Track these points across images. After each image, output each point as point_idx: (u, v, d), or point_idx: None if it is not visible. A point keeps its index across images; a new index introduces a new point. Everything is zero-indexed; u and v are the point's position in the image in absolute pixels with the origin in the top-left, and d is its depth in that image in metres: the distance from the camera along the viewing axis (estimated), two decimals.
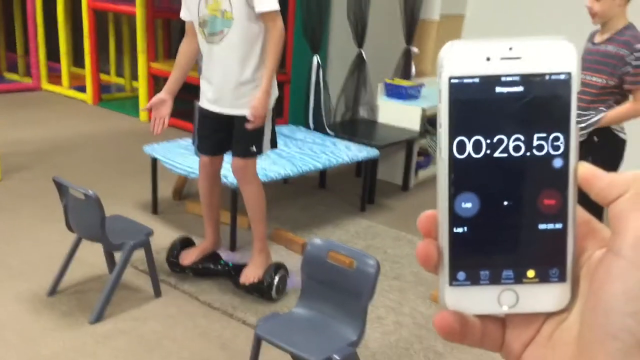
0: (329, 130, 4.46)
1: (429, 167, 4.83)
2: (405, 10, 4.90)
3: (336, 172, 4.54)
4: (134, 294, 2.90)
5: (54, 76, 6.89)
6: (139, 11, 5.69)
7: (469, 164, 0.34)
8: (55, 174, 2.83)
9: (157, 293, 2.87)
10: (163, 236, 3.45)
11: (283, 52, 5.27)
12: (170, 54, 7.00)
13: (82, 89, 6.56)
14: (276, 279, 2.86)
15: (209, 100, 2.82)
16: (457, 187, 0.35)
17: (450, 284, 0.36)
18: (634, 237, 0.31)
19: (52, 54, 6.90)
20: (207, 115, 2.87)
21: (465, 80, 0.34)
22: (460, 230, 0.35)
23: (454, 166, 0.34)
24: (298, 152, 3.88)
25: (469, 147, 0.34)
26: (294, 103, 5.24)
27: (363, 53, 4.78)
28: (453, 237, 0.35)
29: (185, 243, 3.12)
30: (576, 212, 0.35)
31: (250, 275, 2.90)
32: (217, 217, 3.10)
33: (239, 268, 2.98)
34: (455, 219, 0.35)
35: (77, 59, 7.37)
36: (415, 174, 4.66)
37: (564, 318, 0.35)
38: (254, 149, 2.84)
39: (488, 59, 0.34)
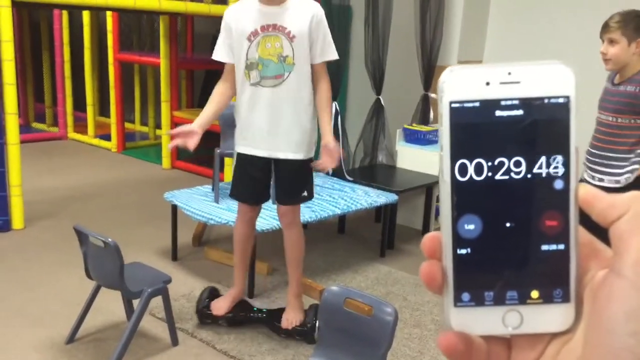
0: (347, 176, 4.47)
1: None
2: (423, 57, 4.97)
3: (356, 217, 4.53)
4: (151, 342, 2.88)
5: (80, 125, 7.08)
6: (163, 62, 5.85)
7: (471, 186, 0.35)
8: (77, 221, 2.87)
9: (175, 341, 2.85)
10: (182, 283, 3.45)
11: None
12: (193, 103, 7.16)
13: (107, 137, 6.71)
14: (317, 321, 2.83)
15: (255, 146, 2.76)
16: (459, 209, 0.35)
17: (455, 305, 0.36)
18: (635, 258, 0.31)
19: (79, 104, 7.10)
20: (250, 162, 2.80)
21: (466, 105, 0.35)
22: (463, 251, 0.36)
23: (456, 189, 0.35)
24: (317, 198, 3.88)
25: (471, 170, 0.35)
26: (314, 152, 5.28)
27: (381, 99, 4.83)
28: (457, 259, 0.36)
29: (214, 293, 3.08)
30: (578, 233, 0.35)
31: (291, 319, 2.92)
32: (248, 264, 3.10)
33: (274, 314, 2.99)
34: (458, 240, 0.35)
35: (103, 109, 7.57)
36: (435, 219, 4.62)
37: (568, 338, 0.35)
38: (305, 194, 2.88)
39: (488, 84, 0.35)
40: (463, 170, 0.35)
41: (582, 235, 0.36)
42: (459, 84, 0.35)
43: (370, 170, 4.81)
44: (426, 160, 4.55)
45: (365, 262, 3.94)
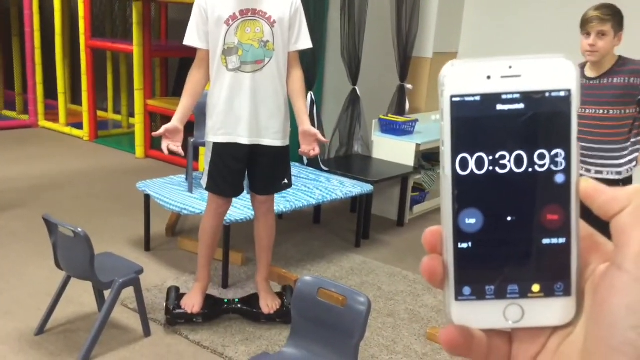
0: (323, 166, 4.46)
1: (424, 202, 4.82)
2: (399, 48, 4.97)
3: (331, 207, 4.53)
4: (123, 333, 2.85)
5: (51, 113, 6.94)
6: (136, 50, 5.76)
7: (472, 180, 0.35)
8: (48, 211, 2.81)
9: (147, 332, 2.82)
10: (155, 273, 3.42)
11: None
12: (168, 91, 7.06)
13: (79, 125, 6.59)
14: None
15: (237, 133, 2.69)
16: (460, 203, 0.35)
17: (456, 299, 0.36)
18: (636, 251, 0.31)
19: (50, 92, 6.96)
20: (230, 152, 2.72)
21: (467, 99, 0.35)
22: (464, 245, 0.35)
23: (457, 183, 0.35)
24: (292, 188, 3.86)
25: (472, 164, 0.35)
26: (289, 139, 5.25)
27: (357, 90, 4.82)
28: (458, 253, 0.36)
29: (179, 292, 2.97)
30: (579, 227, 0.35)
31: (271, 303, 2.93)
32: (213, 256, 3.01)
33: (249, 302, 2.98)
34: (459, 234, 0.35)
35: (75, 97, 7.43)
36: (410, 209, 4.64)
37: (569, 332, 0.35)
38: (286, 181, 2.87)
39: (489, 78, 0.35)
40: (464, 164, 0.35)
41: (583, 228, 0.36)
42: (459, 78, 0.35)
43: (346, 160, 4.81)
44: (402, 150, 4.56)
45: (340, 252, 3.95)
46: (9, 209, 4.30)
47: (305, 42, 2.73)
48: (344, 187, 3.96)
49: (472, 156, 0.35)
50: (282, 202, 3.56)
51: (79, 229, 2.45)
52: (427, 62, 5.26)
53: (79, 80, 6.56)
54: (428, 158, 4.93)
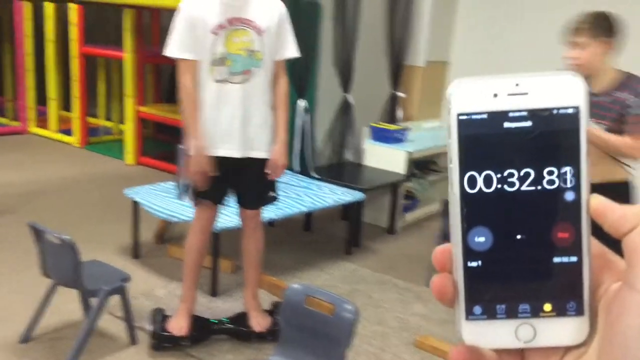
0: (314, 174, 4.45)
1: (415, 210, 4.81)
2: (391, 56, 4.98)
3: (322, 215, 4.51)
4: (109, 341, 2.81)
5: (43, 120, 6.90)
6: (128, 56, 5.74)
7: (481, 198, 0.35)
8: (37, 217, 2.79)
9: (133, 340, 2.79)
10: (142, 281, 3.39)
11: None
12: (159, 98, 7.04)
13: (69, 132, 6.56)
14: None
15: (225, 146, 2.61)
16: (469, 222, 0.35)
17: (467, 318, 0.36)
18: None
19: (41, 98, 6.93)
20: (218, 163, 2.63)
21: (474, 117, 0.35)
22: (474, 264, 0.35)
23: (465, 201, 0.35)
24: (283, 195, 3.84)
25: (480, 182, 0.35)
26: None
27: (349, 97, 4.82)
28: (468, 271, 0.35)
29: (164, 313, 2.84)
30: (590, 245, 0.35)
31: (262, 321, 2.86)
32: (200, 275, 2.89)
33: (238, 321, 2.90)
34: (469, 253, 0.35)
35: (67, 103, 7.39)
36: (401, 217, 4.63)
37: (582, 352, 0.35)
38: (272, 194, 2.82)
39: (495, 95, 0.35)
40: (472, 182, 0.35)
41: (595, 246, 0.35)
42: (466, 96, 0.35)
43: (337, 167, 4.80)
44: (393, 158, 4.56)
45: (331, 259, 3.93)
46: None
47: (292, 50, 2.67)
48: (335, 195, 3.95)
49: (480, 174, 0.35)
50: (273, 209, 3.54)
51: (66, 237, 2.43)
52: (419, 70, 5.27)
53: (70, 86, 6.53)
54: (420, 166, 4.93)
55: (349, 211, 4.13)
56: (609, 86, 2.53)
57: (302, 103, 4.63)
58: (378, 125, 4.76)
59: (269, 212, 3.47)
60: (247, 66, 2.56)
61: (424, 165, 4.98)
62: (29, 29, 6.62)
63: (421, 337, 2.96)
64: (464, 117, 0.34)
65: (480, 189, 0.35)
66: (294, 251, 4.02)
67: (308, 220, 4.44)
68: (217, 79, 2.55)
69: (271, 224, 4.17)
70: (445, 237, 3.22)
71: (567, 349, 0.35)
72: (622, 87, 2.51)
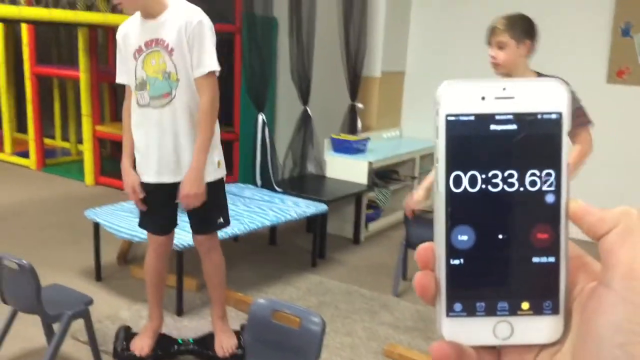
0: (276, 187, 4.46)
1: (379, 220, 4.86)
2: (348, 67, 5.04)
3: (287, 228, 4.51)
4: None
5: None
6: (83, 76, 5.66)
7: (465, 198, 0.36)
8: None
9: None
10: (106, 304, 3.33)
11: (230, 111, 5.31)
12: (117, 116, 6.95)
13: (25, 154, 6.41)
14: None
15: (154, 172, 2.54)
16: (453, 220, 0.36)
17: (447, 315, 0.36)
18: (624, 270, 0.32)
19: None
20: (155, 190, 2.57)
21: (462, 118, 0.35)
22: (456, 262, 0.36)
23: (450, 200, 0.36)
24: (246, 210, 3.85)
25: (465, 182, 0.36)
26: (242, 161, 5.24)
27: (308, 110, 4.86)
28: (450, 269, 0.36)
29: (129, 332, 2.84)
30: (568, 247, 0.36)
31: (226, 345, 2.78)
32: (163, 294, 2.84)
33: (204, 342, 2.86)
34: (451, 251, 0.36)
35: (21, 125, 7.23)
36: (365, 227, 4.67)
37: (557, 350, 0.36)
38: (221, 220, 2.68)
39: (483, 98, 0.36)
40: (457, 181, 0.36)
41: (572, 248, 0.36)
42: (455, 98, 0.36)
43: (300, 180, 4.82)
44: (355, 169, 4.60)
45: (296, 272, 3.93)
46: None
47: (207, 65, 2.41)
48: (298, 207, 3.96)
49: (465, 174, 0.36)
50: (237, 224, 3.53)
51: (24, 261, 2.37)
52: (376, 80, 5.34)
53: (25, 107, 6.40)
54: (381, 176, 4.99)
55: (313, 223, 4.15)
56: None
57: (261, 117, 4.64)
58: (338, 137, 4.80)
59: (232, 228, 3.47)
60: (165, 89, 2.44)
61: (386, 175, 5.04)
62: None
63: (389, 346, 2.99)
64: (452, 118, 0.35)
65: (465, 188, 0.36)
66: (259, 266, 4.02)
67: (273, 234, 4.44)
68: (140, 103, 2.48)
69: (235, 239, 4.16)
70: (409, 245, 3.27)
71: (542, 347, 0.36)
72: None
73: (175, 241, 3.12)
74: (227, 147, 6.06)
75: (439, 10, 5.37)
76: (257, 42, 4.66)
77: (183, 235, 3.25)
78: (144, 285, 3.53)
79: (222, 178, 2.66)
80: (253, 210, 3.85)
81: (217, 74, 2.47)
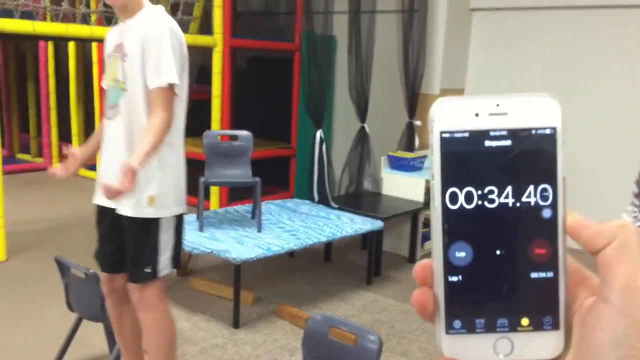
0: (333, 203, 4.47)
1: None
2: (407, 85, 5.03)
3: (342, 244, 4.52)
4: None
5: (65, 156, 7.04)
6: None
7: (462, 214, 0.36)
8: (61, 252, 2.84)
9: None
10: None
11: (288, 127, 5.38)
12: (191, 132, 7.15)
13: (92, 167, 6.67)
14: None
15: (99, 192, 2.21)
16: (450, 237, 0.36)
17: (447, 332, 0.36)
18: (621, 285, 0.32)
19: (64, 135, 7.09)
20: (101, 215, 2.31)
21: (456, 135, 0.36)
22: (455, 278, 0.36)
23: (447, 216, 0.36)
24: (302, 226, 3.87)
25: (461, 198, 0.36)
26: (299, 177, 5.29)
27: (366, 127, 4.87)
28: (448, 286, 0.36)
29: None
30: (566, 261, 0.36)
31: None
32: (135, 349, 2.44)
33: None
34: (449, 267, 0.36)
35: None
36: (421, 246, 4.62)
37: None
38: (149, 270, 2.19)
39: (477, 115, 0.36)
40: (454, 198, 0.36)
41: (570, 263, 0.36)
42: (449, 115, 0.36)
43: (356, 197, 4.82)
44: (411, 186, 4.56)
45: (351, 289, 3.92)
46: (23, 251, 4.34)
47: (163, 77, 2.07)
48: (354, 224, 3.96)
49: (461, 190, 0.35)
50: (293, 239, 3.57)
51: (90, 270, 2.47)
52: (434, 98, 5.27)
53: (94, 123, 6.68)
54: None
55: (369, 240, 4.13)
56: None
57: (318, 133, 4.68)
58: (395, 154, 4.79)
59: (288, 243, 3.50)
60: (115, 99, 2.16)
61: None
62: (51, 68, 6.80)
63: None
64: (447, 135, 0.35)
65: (462, 204, 0.35)
66: (314, 281, 4.03)
67: (328, 250, 4.45)
68: (105, 114, 2.26)
69: (291, 254, 4.19)
70: None
71: None
72: None
73: (233, 255, 3.18)
74: (284, 163, 6.15)
75: (499, 28, 5.30)
76: (316, 60, 4.73)
77: (240, 249, 3.30)
78: (202, 297, 3.60)
79: (158, 219, 2.19)
80: (309, 225, 3.88)
81: (176, 90, 2.12)
